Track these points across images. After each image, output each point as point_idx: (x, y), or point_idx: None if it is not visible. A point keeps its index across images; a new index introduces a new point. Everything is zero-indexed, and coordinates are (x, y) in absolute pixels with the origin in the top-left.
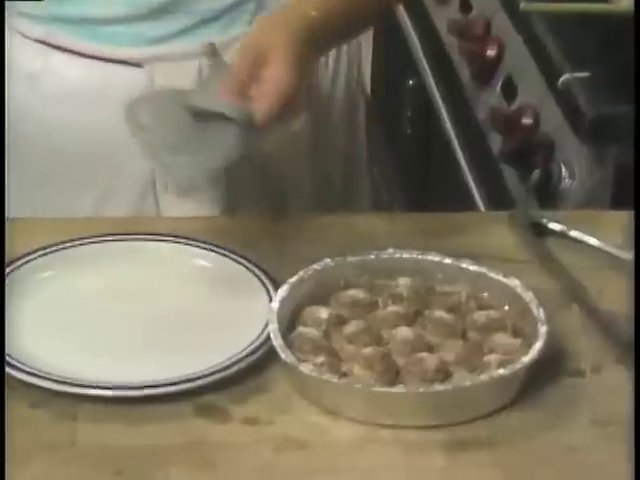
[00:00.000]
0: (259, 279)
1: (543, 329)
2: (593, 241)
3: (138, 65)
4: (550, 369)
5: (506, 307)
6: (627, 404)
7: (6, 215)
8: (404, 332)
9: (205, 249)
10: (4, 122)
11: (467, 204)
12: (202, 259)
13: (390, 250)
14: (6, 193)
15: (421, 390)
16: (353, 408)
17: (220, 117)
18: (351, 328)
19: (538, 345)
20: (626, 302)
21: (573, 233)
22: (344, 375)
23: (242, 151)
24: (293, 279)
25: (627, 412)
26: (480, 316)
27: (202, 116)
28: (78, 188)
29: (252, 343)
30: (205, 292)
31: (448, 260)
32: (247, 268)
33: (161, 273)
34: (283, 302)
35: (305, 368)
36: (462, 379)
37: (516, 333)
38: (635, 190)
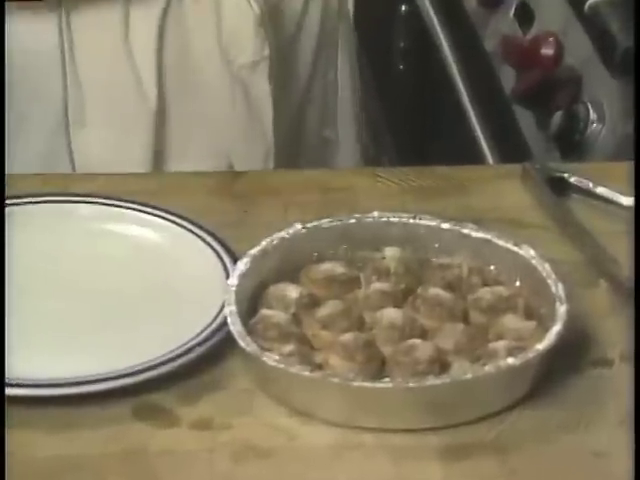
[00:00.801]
0: (213, 250)
1: (562, 309)
2: (625, 200)
3: None
4: (571, 358)
5: (517, 283)
6: None
7: None
8: (391, 314)
9: (144, 213)
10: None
11: (472, 156)
12: (140, 226)
13: (375, 213)
14: None
15: (412, 385)
16: (329, 407)
17: None
18: (326, 310)
19: (556, 329)
20: None
21: (601, 191)
22: (318, 367)
23: None
24: (255, 250)
25: None
26: (485, 294)
27: None
28: None
29: (205, 329)
30: (145, 267)
31: (446, 225)
32: (198, 236)
33: (87, 244)
34: (243, 279)
35: (270, 359)
36: (463, 371)
37: (529, 314)
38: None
